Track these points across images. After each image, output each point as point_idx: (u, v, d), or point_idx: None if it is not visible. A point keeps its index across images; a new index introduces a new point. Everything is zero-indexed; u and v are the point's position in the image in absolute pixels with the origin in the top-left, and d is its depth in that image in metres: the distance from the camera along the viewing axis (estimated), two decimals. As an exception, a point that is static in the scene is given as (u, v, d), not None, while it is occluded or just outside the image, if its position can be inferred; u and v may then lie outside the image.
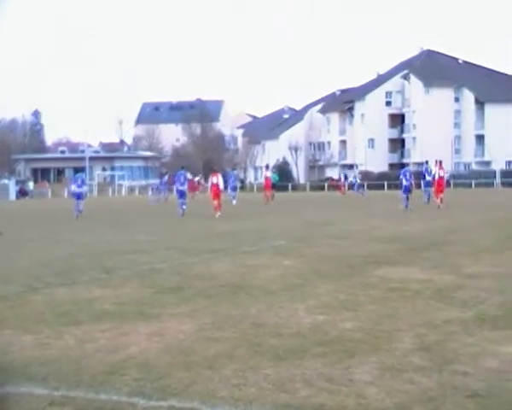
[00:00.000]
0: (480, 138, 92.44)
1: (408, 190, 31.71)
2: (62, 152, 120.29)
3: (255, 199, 50.29)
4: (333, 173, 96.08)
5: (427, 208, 31.82)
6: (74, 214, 31.16)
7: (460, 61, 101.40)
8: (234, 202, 40.81)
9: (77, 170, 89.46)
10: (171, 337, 7.33)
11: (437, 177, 34.22)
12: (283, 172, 74.47)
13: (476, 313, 8.18)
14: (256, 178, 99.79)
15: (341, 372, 5.92)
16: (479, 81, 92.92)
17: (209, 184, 32.89)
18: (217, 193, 30.48)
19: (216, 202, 30.29)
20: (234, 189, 44.00)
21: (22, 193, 78.62)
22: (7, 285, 11.13)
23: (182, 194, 32.21)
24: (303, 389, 5.50)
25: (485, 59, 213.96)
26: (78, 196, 32.18)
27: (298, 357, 6.41)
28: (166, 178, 54.83)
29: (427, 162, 39.75)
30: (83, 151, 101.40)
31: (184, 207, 31.41)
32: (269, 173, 43.83)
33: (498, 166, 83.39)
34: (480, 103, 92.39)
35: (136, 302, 9.38)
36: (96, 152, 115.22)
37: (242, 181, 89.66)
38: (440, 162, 34.87)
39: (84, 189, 34.66)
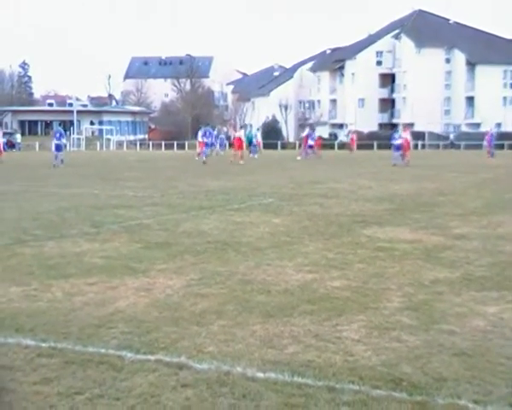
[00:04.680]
0: (470, 100, 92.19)
1: (400, 149, 36.47)
2: (50, 105, 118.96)
3: (245, 156, 50.13)
4: (322, 132, 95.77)
5: (416, 169, 31.87)
6: (53, 164, 35.05)
7: (451, 22, 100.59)
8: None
9: (64, 123, 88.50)
10: (159, 292, 7.33)
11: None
12: (273, 130, 73.77)
13: (464, 274, 8.23)
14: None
15: (329, 330, 5.94)
16: (470, 42, 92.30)
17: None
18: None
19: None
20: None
21: (10, 145, 77.84)
22: (-6, 237, 11.07)
23: (207, 145, 41.91)
24: (291, 346, 5.52)
25: (477, 20, 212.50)
26: (57, 148, 36.56)
27: (286, 314, 6.43)
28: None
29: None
30: (71, 105, 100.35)
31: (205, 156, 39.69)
32: (240, 133, 44.18)
33: (488, 128, 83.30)
34: (470, 65, 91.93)
35: (124, 257, 9.36)
36: (84, 106, 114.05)
37: (229, 137, 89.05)
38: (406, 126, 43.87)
39: (63, 141, 39.02)
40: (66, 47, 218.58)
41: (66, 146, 40.66)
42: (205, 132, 42.35)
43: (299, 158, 45.53)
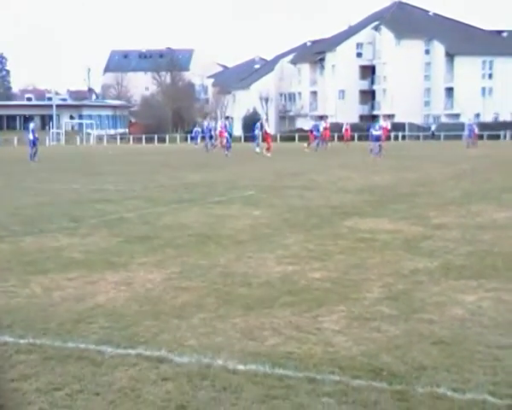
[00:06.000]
0: (449, 91, 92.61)
1: (379, 139, 36.70)
2: (29, 99, 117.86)
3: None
4: (304, 124, 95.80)
5: (396, 160, 32.02)
6: (29, 158, 36.16)
7: (431, 14, 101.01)
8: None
9: (44, 118, 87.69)
10: (139, 286, 7.30)
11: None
12: (254, 123, 73.66)
13: (443, 263, 8.28)
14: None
15: (309, 321, 5.95)
16: (449, 34, 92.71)
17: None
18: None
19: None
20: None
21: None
22: (-28, 233, 10.96)
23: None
24: (271, 338, 5.52)
25: (456, 12, 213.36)
26: (32, 143, 38.08)
27: (266, 306, 6.43)
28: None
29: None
30: (50, 99, 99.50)
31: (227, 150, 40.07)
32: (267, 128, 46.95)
33: (467, 118, 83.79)
34: (449, 56, 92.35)
35: (104, 251, 9.32)
36: (64, 100, 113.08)
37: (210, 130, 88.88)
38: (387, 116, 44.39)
39: (30, 136, 39.61)
40: (44, 40, 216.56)
41: (34, 141, 39.99)
42: (225, 126, 47.89)
43: (307, 150, 44.44)
